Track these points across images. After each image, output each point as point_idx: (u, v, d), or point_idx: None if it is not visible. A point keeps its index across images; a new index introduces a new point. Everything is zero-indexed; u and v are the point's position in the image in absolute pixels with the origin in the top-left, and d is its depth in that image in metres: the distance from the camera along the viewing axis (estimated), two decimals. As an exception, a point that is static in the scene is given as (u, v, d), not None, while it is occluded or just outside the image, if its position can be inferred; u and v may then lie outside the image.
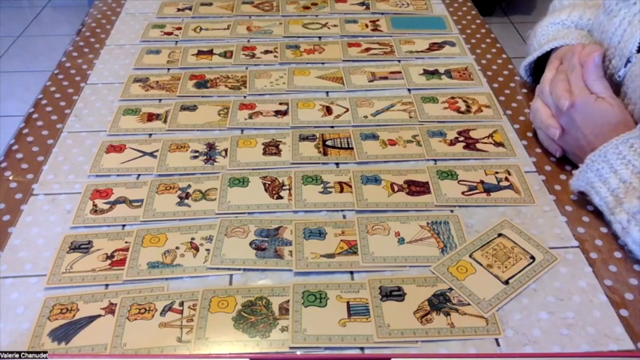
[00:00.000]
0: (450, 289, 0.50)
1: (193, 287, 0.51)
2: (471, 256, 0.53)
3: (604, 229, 0.56)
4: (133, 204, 0.59)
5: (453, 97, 0.75)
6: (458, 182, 0.61)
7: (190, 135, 0.69)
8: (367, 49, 0.86)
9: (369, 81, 0.79)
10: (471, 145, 0.67)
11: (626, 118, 0.58)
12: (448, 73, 0.80)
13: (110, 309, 0.49)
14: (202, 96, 0.76)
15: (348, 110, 0.73)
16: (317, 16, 0.96)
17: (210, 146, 0.67)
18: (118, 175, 0.63)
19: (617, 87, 0.63)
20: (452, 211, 0.58)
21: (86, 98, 0.76)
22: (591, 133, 0.58)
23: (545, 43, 0.72)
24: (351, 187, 0.61)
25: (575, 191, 0.59)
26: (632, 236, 0.51)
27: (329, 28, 0.92)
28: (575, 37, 0.69)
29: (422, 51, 0.85)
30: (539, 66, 0.74)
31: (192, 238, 0.55)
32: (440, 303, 0.49)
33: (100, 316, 0.48)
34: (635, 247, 0.52)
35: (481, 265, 0.52)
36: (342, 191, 0.61)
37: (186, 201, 0.59)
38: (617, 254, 0.54)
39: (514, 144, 0.67)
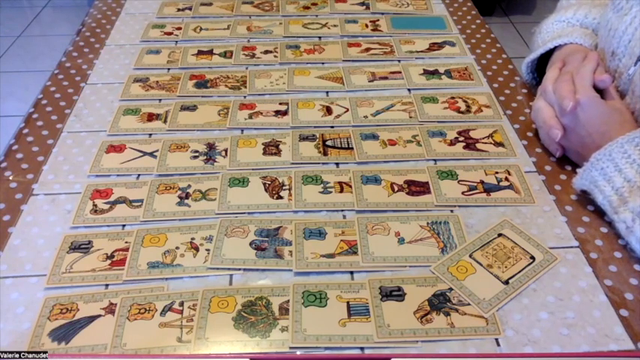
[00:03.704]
0: (450, 289, 0.50)
1: (193, 287, 0.51)
2: (470, 256, 0.53)
3: (604, 229, 0.56)
4: (133, 204, 0.59)
5: (453, 97, 0.75)
6: (458, 182, 0.61)
7: (190, 135, 0.69)
8: (367, 49, 0.86)
9: (369, 81, 0.78)
10: (471, 145, 0.67)
11: (632, 118, 0.58)
12: (448, 73, 0.80)
13: (110, 309, 0.49)
14: (202, 96, 0.76)
15: (348, 110, 0.73)
16: (317, 16, 0.96)
17: (210, 146, 0.67)
18: (118, 175, 0.63)
19: (625, 86, 0.62)
20: (452, 211, 0.58)
21: (86, 98, 0.76)
22: (596, 132, 0.58)
23: (549, 40, 0.72)
24: (351, 187, 0.61)
25: (577, 190, 0.59)
26: (636, 235, 0.51)
27: (329, 28, 0.92)
28: (580, 35, 0.69)
29: (422, 51, 0.85)
30: (542, 64, 0.74)
31: (192, 238, 0.55)
32: (440, 303, 0.49)
33: (100, 316, 0.48)
34: (638, 246, 0.52)
35: (481, 265, 0.52)
36: (342, 191, 0.61)
37: (186, 201, 0.59)
38: (617, 254, 0.54)
39: (514, 144, 0.67)
